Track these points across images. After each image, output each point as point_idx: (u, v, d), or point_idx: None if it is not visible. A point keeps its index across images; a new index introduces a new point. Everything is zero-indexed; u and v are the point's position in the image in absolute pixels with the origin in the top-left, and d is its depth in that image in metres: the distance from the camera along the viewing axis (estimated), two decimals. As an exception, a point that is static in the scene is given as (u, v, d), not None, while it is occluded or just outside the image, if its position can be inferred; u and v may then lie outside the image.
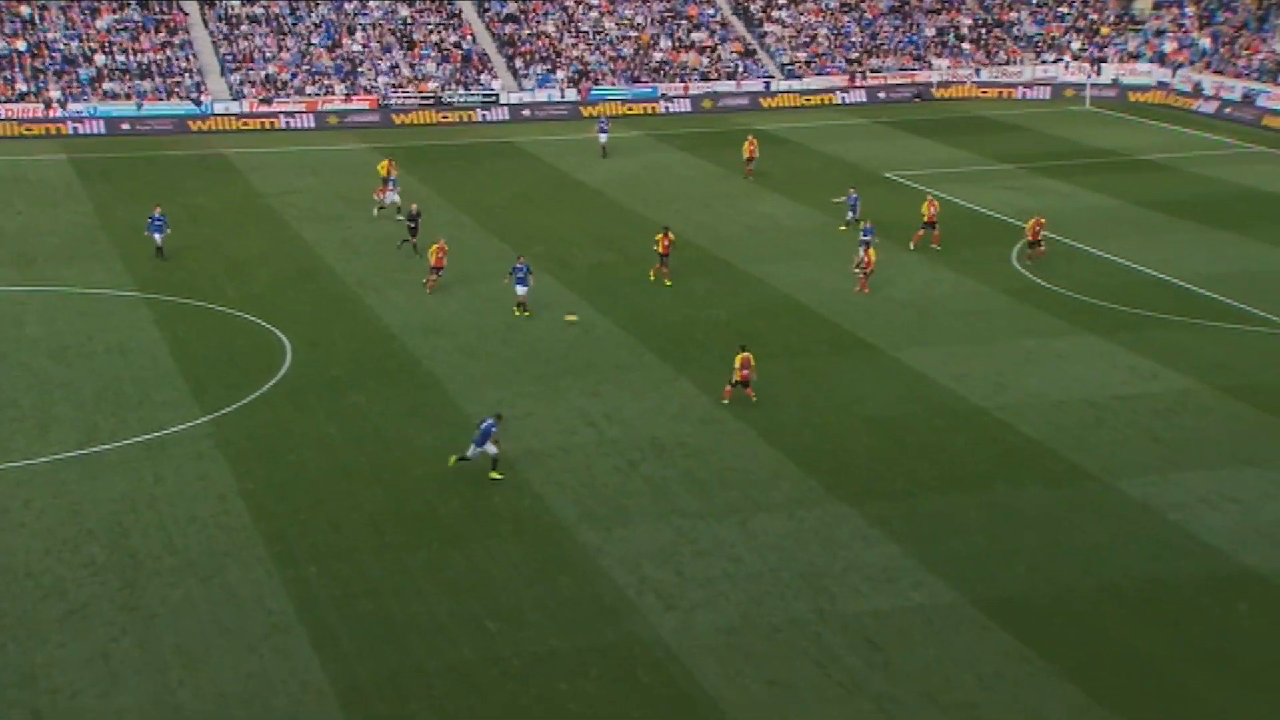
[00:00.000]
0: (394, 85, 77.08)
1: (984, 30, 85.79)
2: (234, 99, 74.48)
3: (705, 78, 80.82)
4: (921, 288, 45.91)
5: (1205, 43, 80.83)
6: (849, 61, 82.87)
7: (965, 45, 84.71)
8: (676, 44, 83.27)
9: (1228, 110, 74.31)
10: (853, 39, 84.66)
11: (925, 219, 49.83)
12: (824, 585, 27.29)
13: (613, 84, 79.88)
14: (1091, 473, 31.92)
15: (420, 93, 76.87)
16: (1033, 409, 35.59)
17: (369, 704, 23.65)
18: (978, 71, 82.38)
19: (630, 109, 77.92)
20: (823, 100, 79.85)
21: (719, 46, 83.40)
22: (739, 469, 32.48)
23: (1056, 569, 27.82)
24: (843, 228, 52.18)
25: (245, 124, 73.25)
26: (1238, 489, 30.95)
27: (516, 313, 42.58)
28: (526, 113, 77.21)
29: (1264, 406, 35.38)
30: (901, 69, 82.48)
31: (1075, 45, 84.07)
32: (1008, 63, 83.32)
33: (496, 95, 77.93)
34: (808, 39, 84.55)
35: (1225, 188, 58.88)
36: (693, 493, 31.29)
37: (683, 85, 79.94)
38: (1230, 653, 24.92)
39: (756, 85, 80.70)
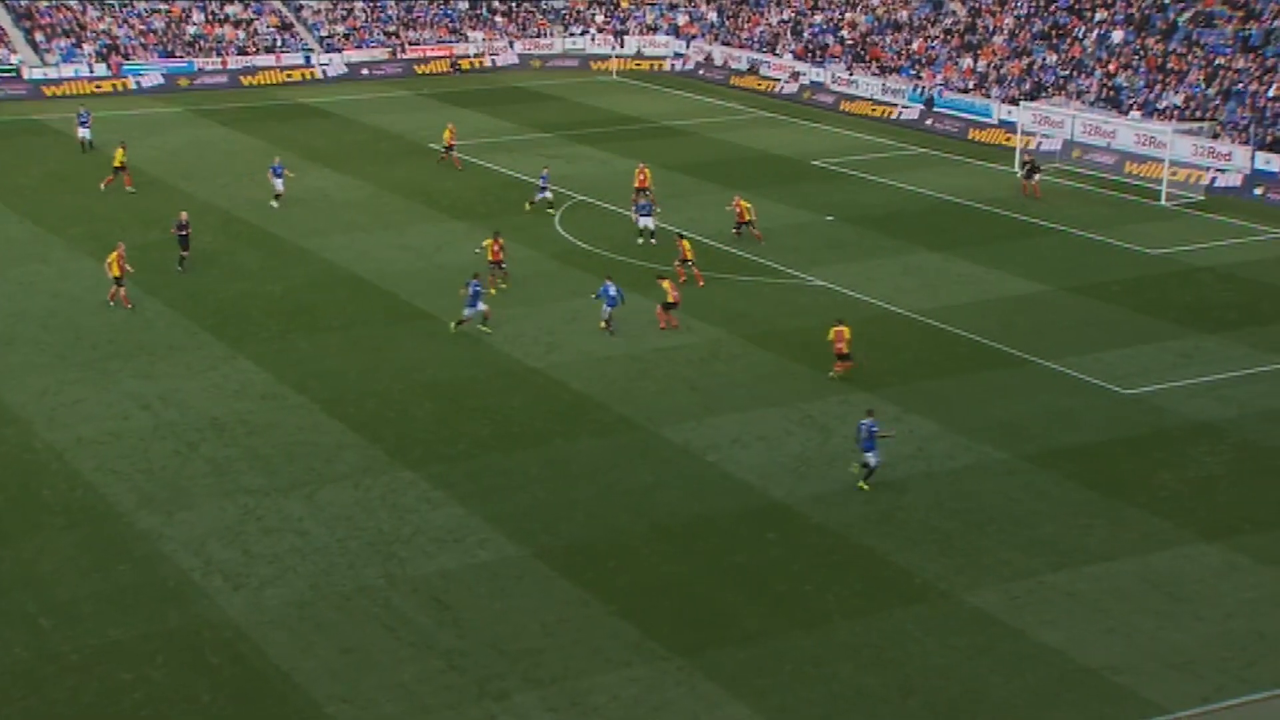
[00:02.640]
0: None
1: (515, 3, 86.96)
2: None
3: (243, 52, 78.00)
4: (471, 255, 46.20)
5: (713, 16, 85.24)
6: (387, 34, 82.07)
7: (498, 18, 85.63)
8: (210, 17, 79.86)
9: (703, 75, 78.87)
10: (389, 11, 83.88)
11: (740, 219, 46.88)
12: (393, 551, 27.17)
13: (145, 59, 75.79)
14: (637, 422, 33.22)
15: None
16: (582, 366, 36.64)
17: (-85, 721, 21.68)
18: (511, 44, 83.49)
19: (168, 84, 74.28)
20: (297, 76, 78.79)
21: (255, 20, 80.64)
22: (303, 443, 31.79)
23: (611, 514, 28.84)
24: (528, 206, 50.38)
25: None
26: (764, 428, 33.03)
27: (485, 328, 38.19)
28: (52, 89, 72.12)
29: (781, 351, 37.86)
30: (439, 41, 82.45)
31: (599, 18, 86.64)
32: (539, 35, 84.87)
33: (16, 70, 72.32)
34: (345, 11, 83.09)
35: (737, 150, 62.37)
36: (257, 470, 30.37)
37: (220, 59, 76.85)
38: (761, 577, 26.61)
39: (298, 59, 78.65)
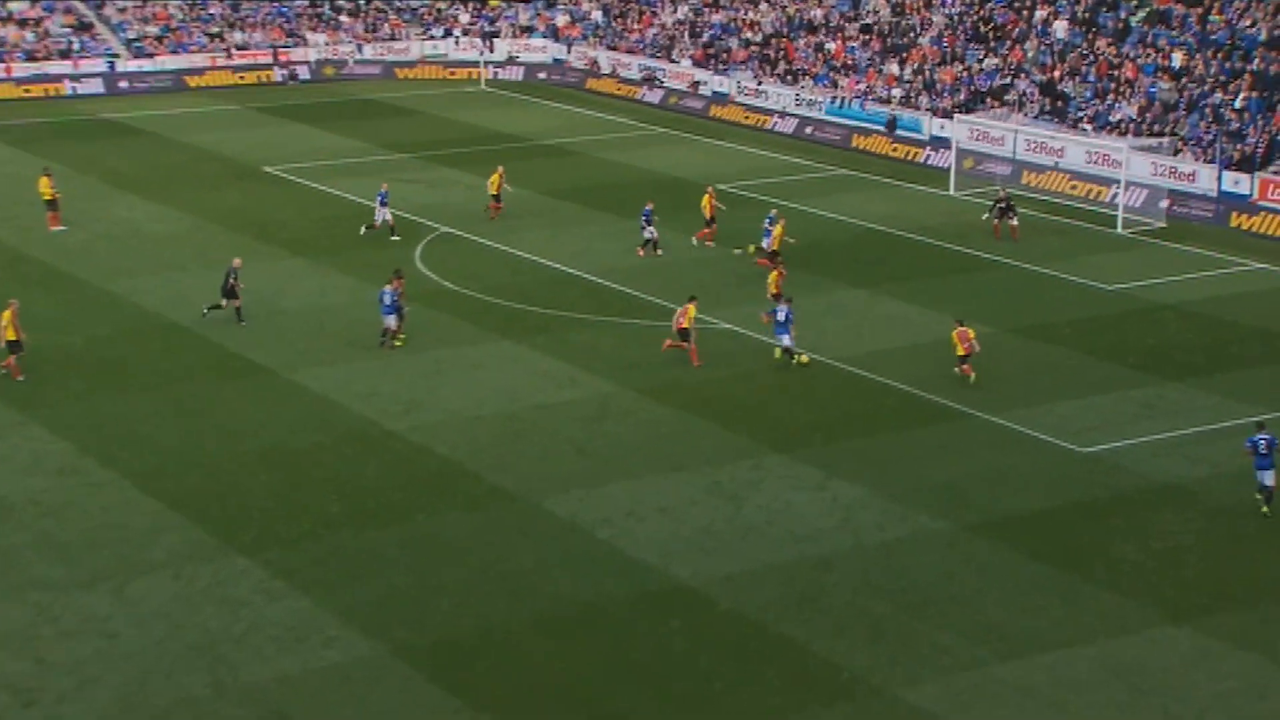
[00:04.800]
0: None
1: (363, 1, 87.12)
2: None
3: (31, 57, 77.15)
4: (316, 297, 46.09)
5: (597, 15, 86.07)
6: (210, 36, 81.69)
7: (344, 18, 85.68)
8: (-6, 15, 79.00)
9: (545, 79, 79.67)
10: (211, 10, 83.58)
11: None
12: (222, 653, 26.84)
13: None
14: (514, 493, 33.25)
15: None
16: (449, 427, 36.61)
17: None
18: (360, 48, 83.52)
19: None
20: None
21: (46, 18, 79.92)
22: (111, 525, 31.35)
23: (483, 603, 28.79)
24: (764, 261, 48.46)
25: None
26: (665, 497, 33.23)
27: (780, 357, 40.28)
28: None
29: (683, 406, 38.15)
30: (273, 45, 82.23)
31: (464, 18, 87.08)
32: (392, 38, 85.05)
33: None
34: (157, 10, 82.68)
35: (631, 172, 62.96)
36: (52, 560, 29.86)
37: (3, 66, 75.95)
38: (664, 672, 26.69)
39: (99, 65, 77.96)
